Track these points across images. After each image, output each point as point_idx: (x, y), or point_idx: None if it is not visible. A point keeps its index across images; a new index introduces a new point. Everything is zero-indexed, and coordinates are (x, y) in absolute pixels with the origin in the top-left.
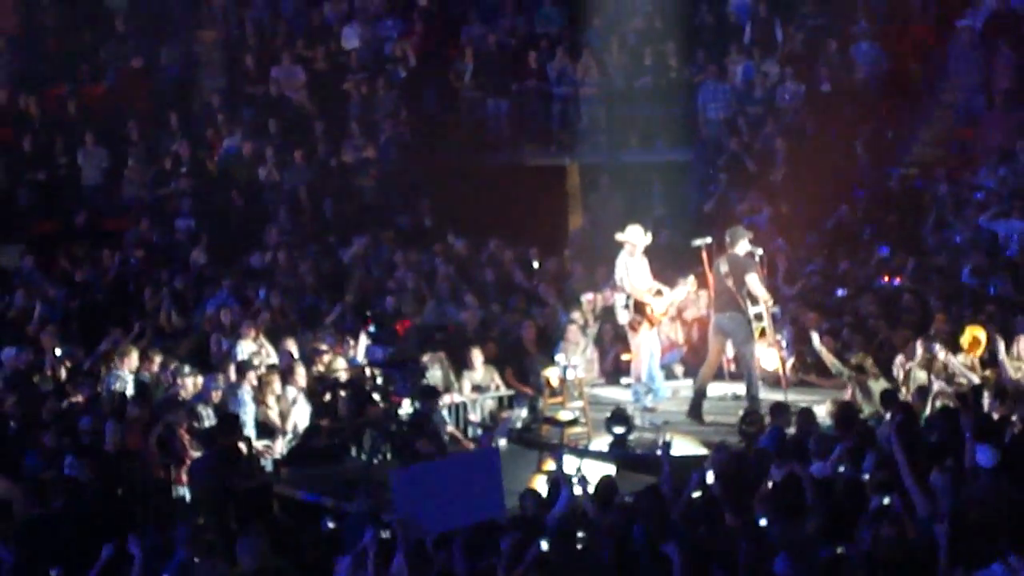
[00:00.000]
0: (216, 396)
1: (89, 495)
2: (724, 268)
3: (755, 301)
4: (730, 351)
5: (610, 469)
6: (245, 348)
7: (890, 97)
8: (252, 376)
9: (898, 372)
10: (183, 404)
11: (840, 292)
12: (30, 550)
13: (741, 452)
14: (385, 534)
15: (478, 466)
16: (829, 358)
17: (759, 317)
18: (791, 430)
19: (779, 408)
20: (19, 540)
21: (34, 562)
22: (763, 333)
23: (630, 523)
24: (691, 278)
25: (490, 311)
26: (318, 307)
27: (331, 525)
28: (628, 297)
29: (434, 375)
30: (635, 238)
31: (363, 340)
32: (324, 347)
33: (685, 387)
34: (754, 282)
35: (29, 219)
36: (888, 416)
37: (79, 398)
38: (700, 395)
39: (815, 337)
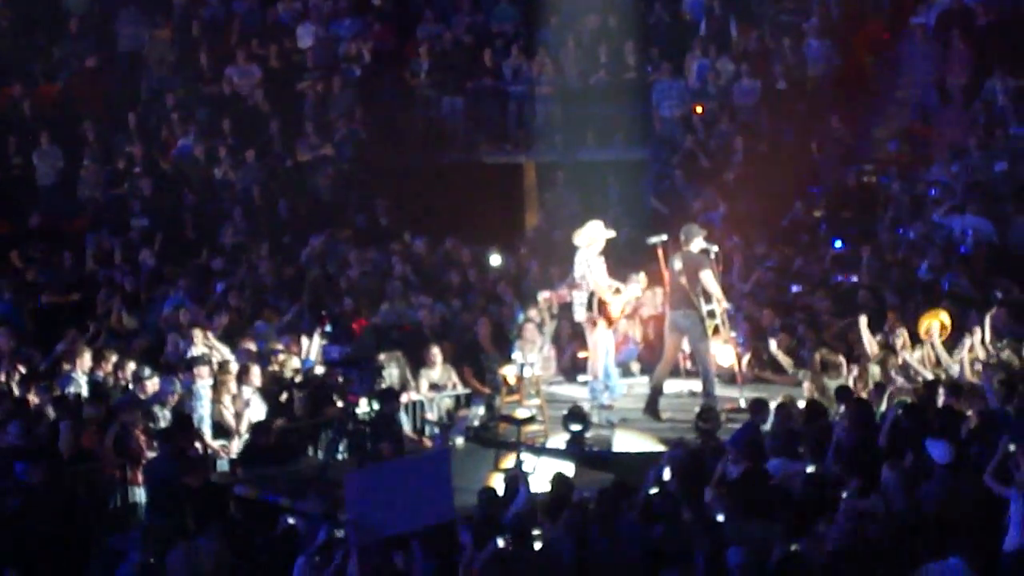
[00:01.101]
0: (173, 399)
1: (43, 497)
2: (678, 265)
3: (709, 298)
4: (686, 348)
5: (568, 467)
6: (196, 350)
7: (844, 94)
8: (206, 373)
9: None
10: (139, 404)
11: (795, 288)
12: None
13: (698, 449)
14: (340, 533)
15: (429, 469)
16: (785, 360)
17: (712, 314)
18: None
19: (758, 404)
20: None
21: None
22: (716, 330)
23: (589, 522)
24: (642, 275)
25: (446, 309)
26: (276, 307)
27: (291, 521)
28: (590, 295)
29: (391, 374)
30: (597, 234)
31: (317, 340)
32: (280, 347)
33: (641, 384)
34: (708, 279)
35: None
36: (843, 410)
37: (35, 400)
38: (656, 392)
39: (772, 342)
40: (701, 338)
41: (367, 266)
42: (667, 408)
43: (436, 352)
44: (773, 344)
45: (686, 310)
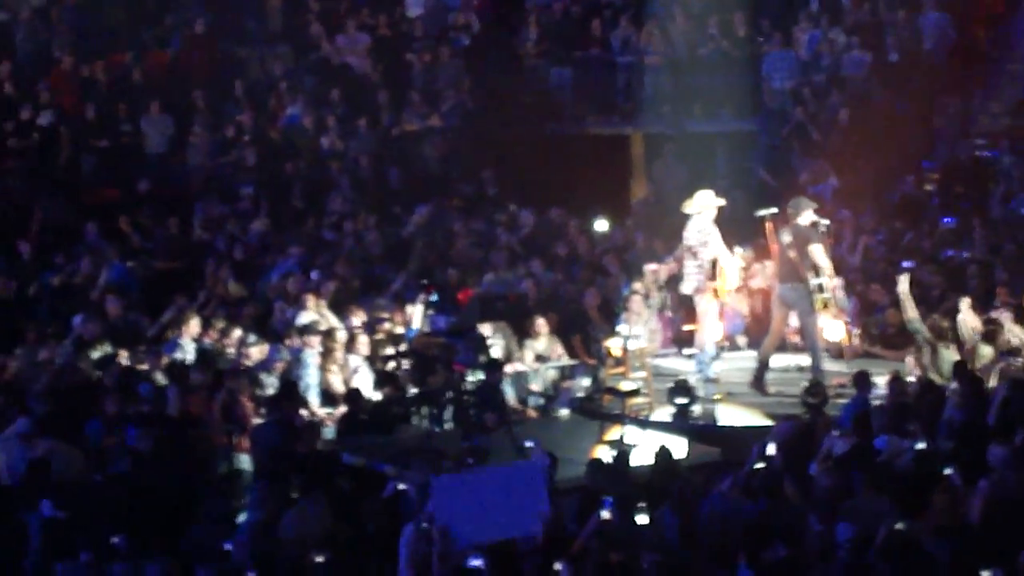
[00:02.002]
0: (280, 366)
1: (151, 462)
2: (787, 238)
3: (818, 272)
4: (794, 322)
5: (673, 440)
6: (306, 317)
7: (958, 67)
8: (316, 342)
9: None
10: (246, 372)
11: (905, 263)
12: (86, 513)
13: (805, 424)
14: None
15: (522, 479)
16: (912, 311)
17: (821, 288)
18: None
19: (862, 377)
20: (75, 502)
21: (90, 525)
22: (825, 305)
23: (693, 496)
24: (742, 249)
25: (556, 277)
26: (383, 276)
27: (400, 487)
28: (711, 261)
29: (496, 344)
30: (707, 202)
31: (419, 309)
32: (386, 316)
33: (748, 358)
34: (818, 253)
35: (93, 186)
36: (954, 386)
37: (143, 366)
38: (763, 366)
39: (902, 281)
40: (809, 312)
41: (473, 236)
42: (774, 382)
43: (541, 323)
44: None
45: (794, 284)
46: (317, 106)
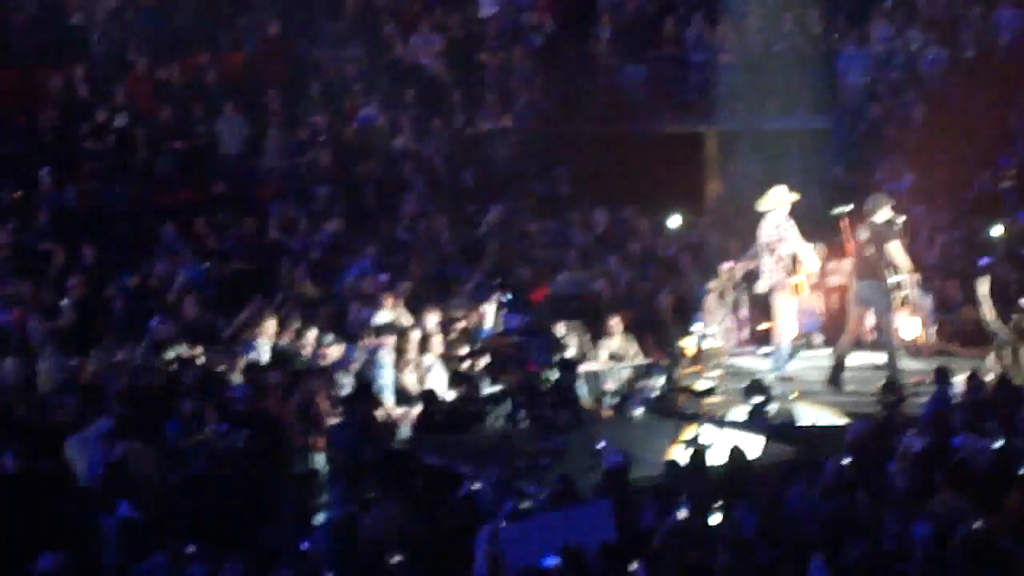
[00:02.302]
0: (355, 366)
1: (229, 463)
2: (864, 236)
3: (896, 270)
4: (871, 320)
5: (748, 440)
6: (383, 316)
7: None
8: (390, 342)
9: None
10: (322, 372)
11: (983, 260)
12: (163, 514)
13: (881, 422)
14: (525, 504)
15: (590, 519)
16: (990, 314)
17: (900, 286)
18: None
19: (942, 373)
20: (153, 503)
21: (167, 526)
22: (904, 302)
23: (770, 494)
24: (817, 247)
25: (627, 279)
26: (457, 276)
27: (475, 487)
28: (790, 257)
29: (570, 344)
30: (781, 198)
31: (491, 309)
32: (460, 315)
33: (824, 357)
34: (896, 250)
35: (168, 188)
36: None
37: (221, 367)
38: (840, 364)
39: (982, 284)
40: (886, 310)
41: (546, 236)
42: (850, 381)
43: (616, 322)
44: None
45: (872, 281)
46: (391, 107)
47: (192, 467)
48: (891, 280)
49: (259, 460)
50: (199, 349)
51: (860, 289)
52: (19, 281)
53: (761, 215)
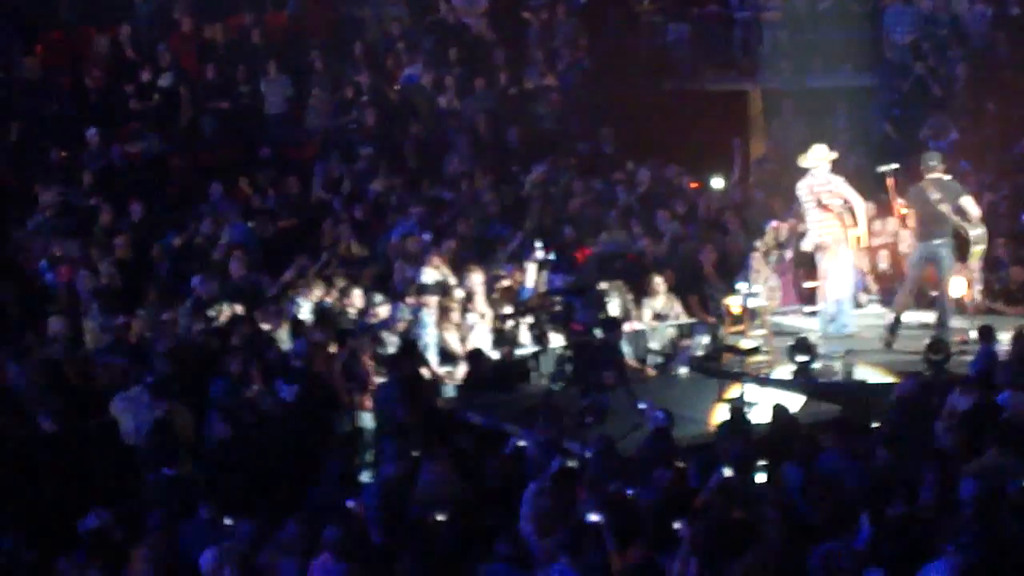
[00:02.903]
0: (402, 325)
1: (282, 419)
2: (936, 194)
3: (972, 223)
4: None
5: (793, 399)
6: (428, 276)
7: None
8: (433, 301)
9: None
10: (368, 330)
11: None
12: (210, 472)
13: (928, 381)
14: (571, 463)
15: None
16: None
17: (980, 238)
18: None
19: (986, 331)
20: (199, 461)
21: (214, 484)
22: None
23: (815, 452)
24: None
25: (671, 239)
26: (501, 235)
27: (521, 444)
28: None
29: (614, 303)
30: (822, 156)
31: (535, 268)
32: (504, 275)
33: (870, 315)
34: (970, 203)
35: (213, 147)
36: None
37: (266, 325)
38: (897, 322)
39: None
40: (951, 268)
41: (590, 195)
42: (897, 339)
43: (659, 281)
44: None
45: (946, 239)
46: (435, 66)
47: (238, 426)
48: (974, 233)
49: (310, 416)
50: (244, 308)
51: (929, 248)
52: (66, 240)
53: (804, 173)
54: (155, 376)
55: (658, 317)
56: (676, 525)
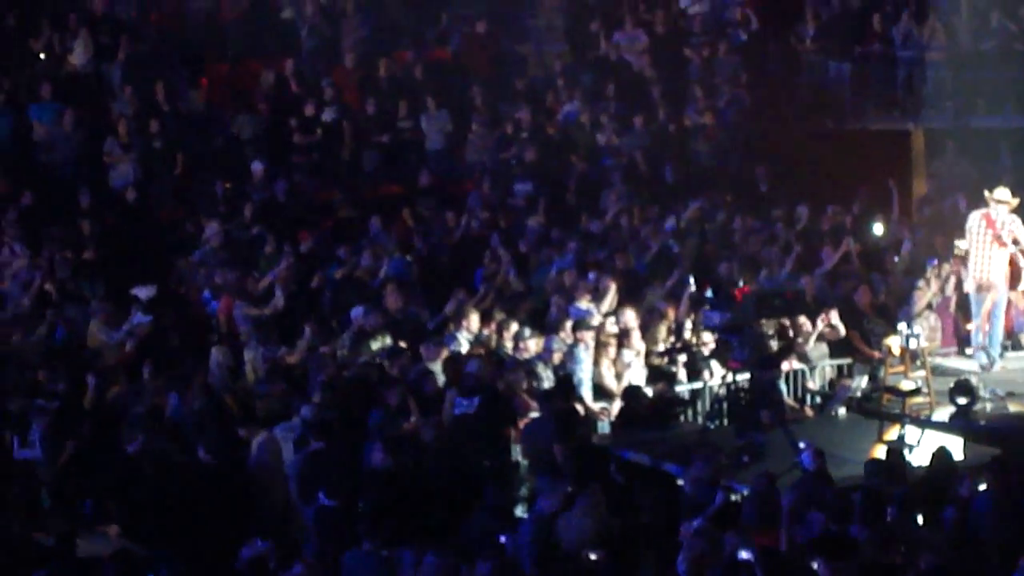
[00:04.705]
0: (557, 357)
1: (435, 453)
2: None
3: None
4: None
5: (953, 441)
6: (584, 311)
7: None
8: (588, 337)
9: None
10: (524, 365)
11: None
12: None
13: None
14: (735, 497)
15: None
16: None
17: None
18: None
19: None
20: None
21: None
22: None
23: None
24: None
25: (830, 277)
26: (656, 272)
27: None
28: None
29: (772, 342)
30: (1007, 199)
31: (691, 305)
32: (660, 311)
33: None
34: None
35: (374, 181)
36: None
37: (424, 358)
38: None
39: None
40: None
41: (749, 232)
42: None
43: (820, 320)
44: None
45: None
46: (593, 103)
47: (396, 456)
48: None
49: (491, 429)
50: (402, 340)
51: None
52: (228, 271)
53: (967, 213)
54: (314, 408)
55: (817, 356)
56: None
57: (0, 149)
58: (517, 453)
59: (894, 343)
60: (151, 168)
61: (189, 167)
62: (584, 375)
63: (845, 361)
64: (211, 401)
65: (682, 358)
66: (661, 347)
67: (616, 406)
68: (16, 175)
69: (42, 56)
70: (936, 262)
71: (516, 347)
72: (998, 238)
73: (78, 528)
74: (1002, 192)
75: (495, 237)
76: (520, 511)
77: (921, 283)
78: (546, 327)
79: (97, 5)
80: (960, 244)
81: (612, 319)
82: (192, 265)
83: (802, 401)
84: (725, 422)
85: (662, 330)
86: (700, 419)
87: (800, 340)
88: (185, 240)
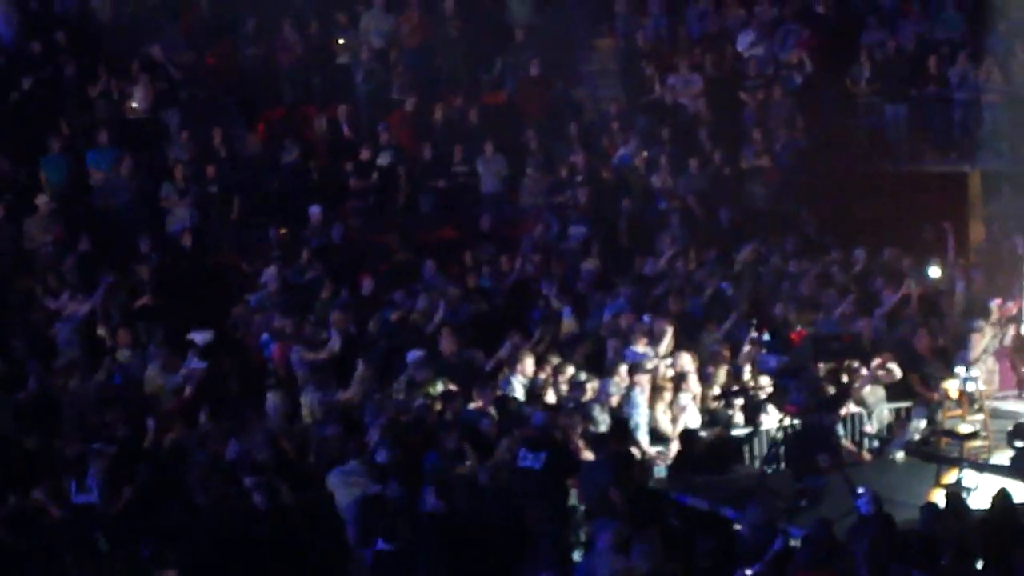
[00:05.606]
0: (613, 401)
1: (489, 497)
2: None
3: None
4: None
5: (1013, 484)
6: (639, 354)
7: None
8: (645, 380)
9: None
10: (578, 409)
11: None
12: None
13: None
14: (793, 543)
15: None
16: None
17: None
18: None
19: None
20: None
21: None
22: None
23: None
24: None
25: (888, 320)
26: (713, 315)
27: (736, 527)
28: None
29: (829, 385)
30: None
31: (748, 348)
32: (716, 354)
33: None
34: None
35: (429, 225)
36: None
37: (479, 402)
38: None
39: None
40: None
41: (805, 275)
42: None
43: (877, 363)
44: None
45: None
46: (648, 146)
47: (451, 500)
48: None
49: (556, 483)
50: (457, 384)
51: None
52: (284, 316)
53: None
54: (369, 451)
55: (875, 400)
56: None
57: (58, 194)
58: (573, 497)
59: (952, 386)
60: (207, 213)
61: (245, 212)
62: (640, 419)
63: (903, 405)
64: (267, 445)
65: (739, 402)
66: (717, 391)
67: (672, 450)
68: (73, 220)
69: (101, 102)
70: (998, 300)
71: (572, 391)
72: (1018, 293)
73: (136, 573)
74: None
75: (548, 281)
76: (577, 556)
77: (978, 325)
78: (603, 370)
79: (156, 52)
80: None
81: (668, 362)
82: (249, 309)
83: (859, 445)
84: (782, 466)
85: (720, 374)
86: (757, 463)
87: (856, 385)
88: (242, 284)
